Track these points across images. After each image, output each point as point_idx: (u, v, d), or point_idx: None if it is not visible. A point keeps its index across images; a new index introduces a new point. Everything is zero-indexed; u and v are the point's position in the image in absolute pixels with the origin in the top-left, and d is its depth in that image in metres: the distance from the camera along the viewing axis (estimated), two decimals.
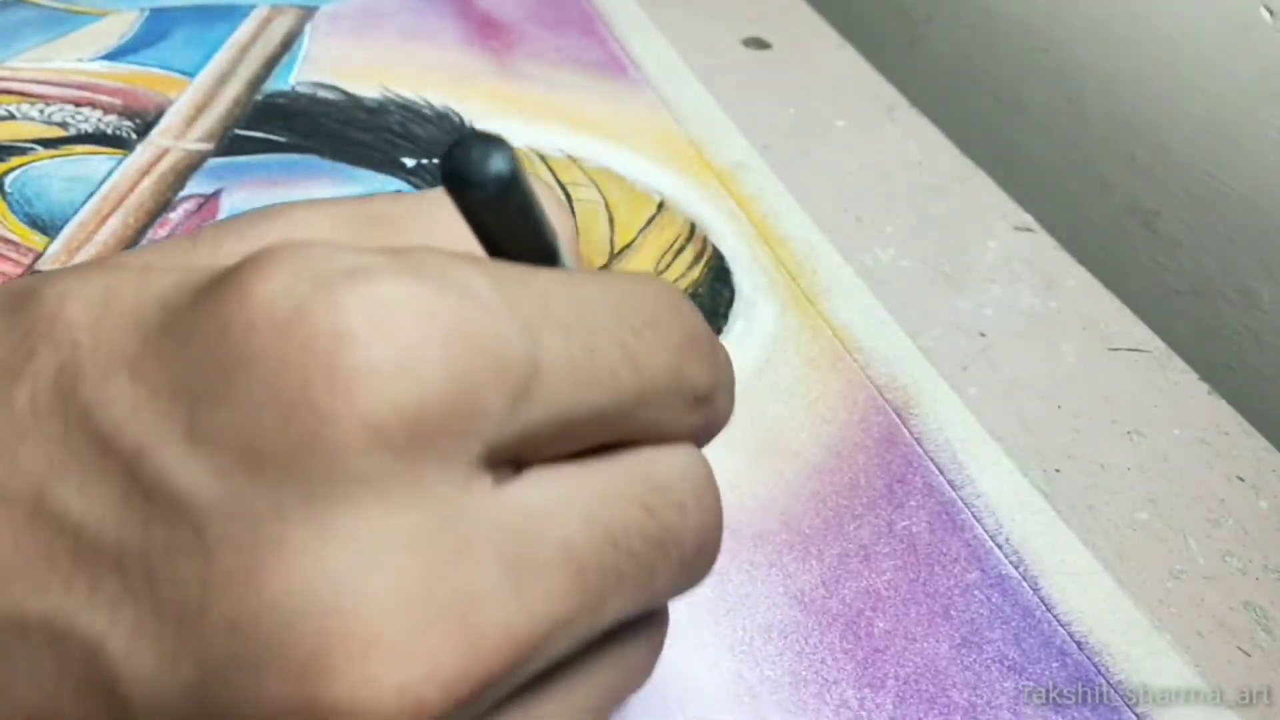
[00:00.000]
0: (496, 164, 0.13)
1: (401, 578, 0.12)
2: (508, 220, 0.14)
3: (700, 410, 0.16)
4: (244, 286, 0.12)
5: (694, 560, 0.16)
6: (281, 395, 0.12)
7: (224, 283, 0.12)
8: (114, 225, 0.33)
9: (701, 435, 0.17)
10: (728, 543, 0.26)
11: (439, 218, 0.17)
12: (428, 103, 0.40)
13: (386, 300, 0.12)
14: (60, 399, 0.12)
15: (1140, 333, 0.35)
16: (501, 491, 0.13)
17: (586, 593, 0.14)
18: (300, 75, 0.40)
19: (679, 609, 0.25)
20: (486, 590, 0.13)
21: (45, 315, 0.13)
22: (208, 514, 0.12)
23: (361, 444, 0.12)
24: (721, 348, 0.18)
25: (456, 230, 0.16)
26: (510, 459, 0.14)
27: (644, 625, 0.17)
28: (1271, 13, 0.38)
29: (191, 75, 0.40)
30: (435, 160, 0.37)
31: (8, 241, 0.32)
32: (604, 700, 0.16)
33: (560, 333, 0.14)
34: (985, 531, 0.27)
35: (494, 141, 0.13)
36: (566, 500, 0.14)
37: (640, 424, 0.15)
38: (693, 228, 0.36)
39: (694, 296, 0.33)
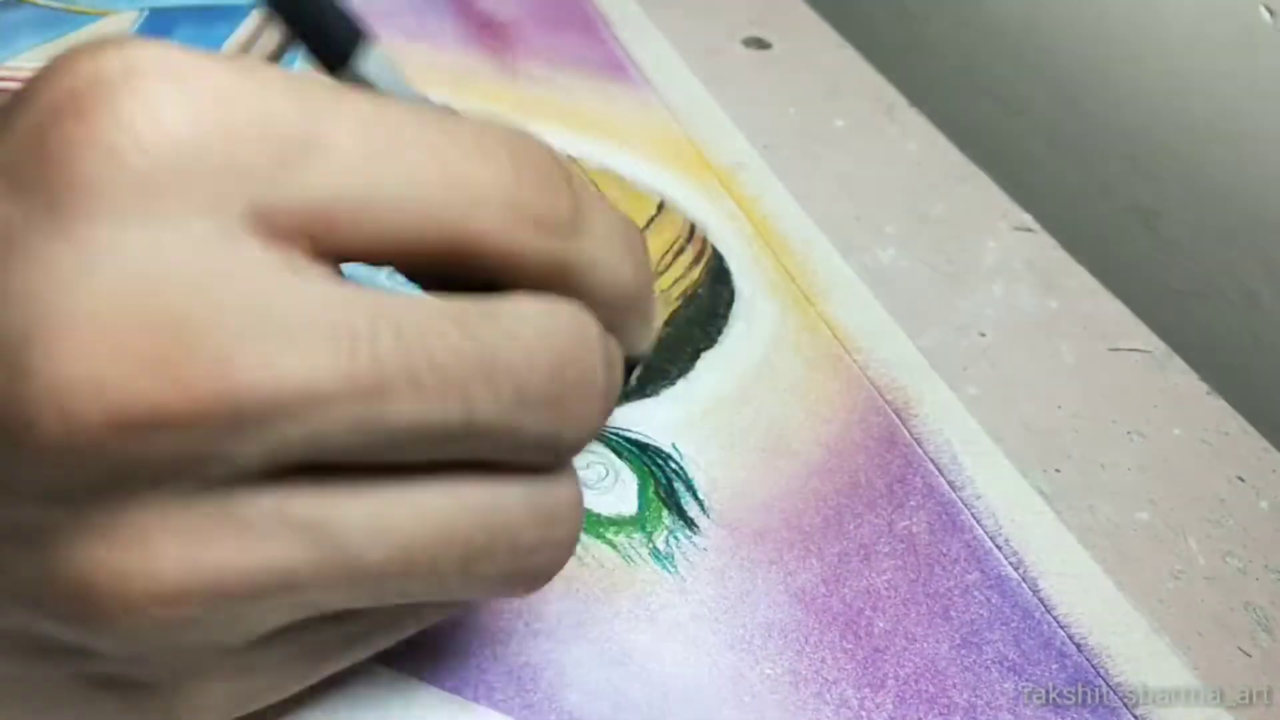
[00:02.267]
0: None
1: (119, 286, 0.13)
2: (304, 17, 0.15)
3: (556, 239, 0.16)
4: (65, 55, 0.14)
5: (524, 417, 0.15)
6: (44, 125, 0.13)
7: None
8: None
9: (606, 308, 0.17)
10: (728, 540, 0.26)
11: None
12: (427, 102, 0.40)
13: (149, 57, 0.13)
14: None
15: (1140, 333, 0.35)
16: (277, 260, 0.14)
17: (355, 374, 0.13)
18: None
19: (679, 609, 0.25)
20: (221, 331, 0.13)
21: None
22: None
23: (100, 169, 0.13)
24: (608, 213, 0.17)
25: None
26: (305, 235, 0.14)
27: (533, 479, 0.16)
28: (1271, 13, 0.38)
29: None
30: None
31: None
32: (431, 538, 0.15)
33: (355, 124, 0.14)
34: (985, 532, 0.27)
35: None
36: (349, 302, 0.14)
37: (468, 235, 0.15)
38: (693, 228, 0.36)
39: (694, 297, 0.33)
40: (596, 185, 0.37)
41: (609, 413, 0.17)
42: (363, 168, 0.14)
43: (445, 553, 0.15)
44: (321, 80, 0.15)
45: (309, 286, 0.14)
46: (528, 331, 0.15)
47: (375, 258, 0.15)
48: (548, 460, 0.16)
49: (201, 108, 0.13)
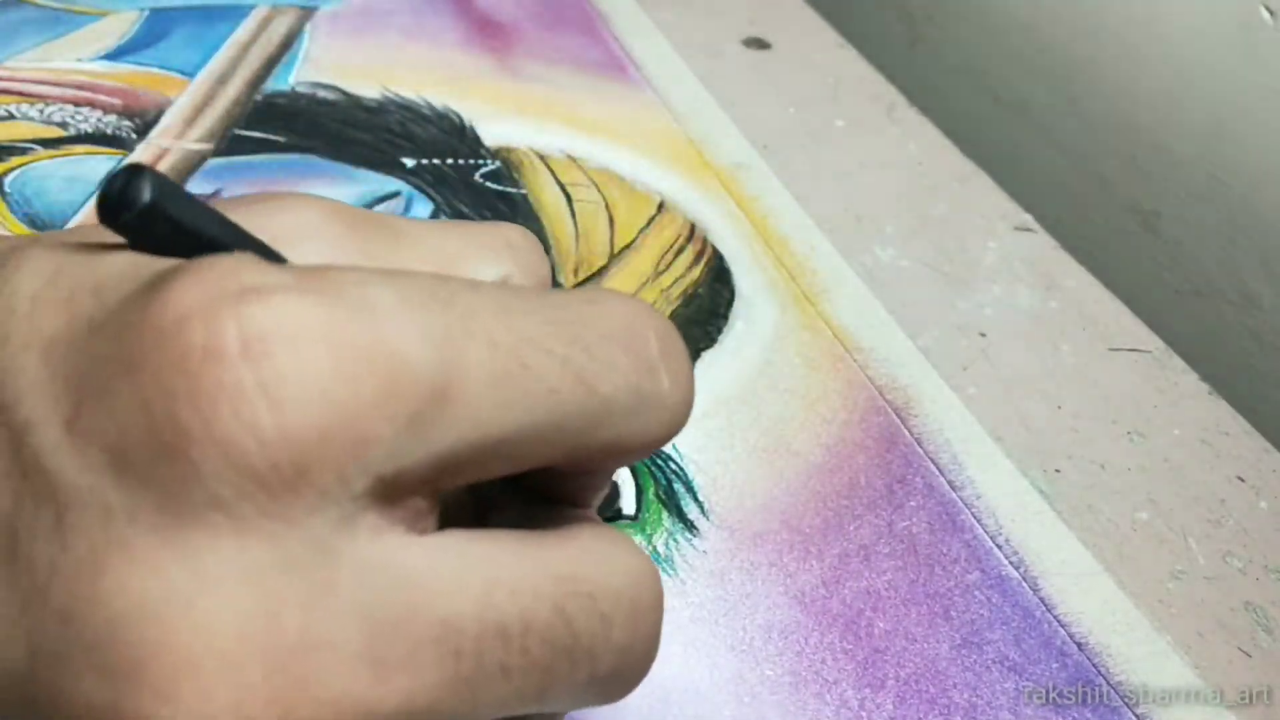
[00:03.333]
0: (137, 193, 0.13)
1: (238, 609, 0.12)
2: (165, 239, 0.14)
3: (667, 430, 0.15)
4: (157, 293, 0.12)
5: (607, 680, 0.15)
6: (152, 403, 0.12)
7: (149, 286, 0.12)
8: None
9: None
10: (728, 542, 0.26)
11: (435, 234, 0.16)
12: (427, 103, 0.40)
13: (268, 318, 0.12)
14: None
15: (1140, 333, 0.35)
16: (393, 540, 0.13)
17: (457, 683, 0.13)
18: (300, 75, 0.40)
19: (679, 611, 0.25)
20: (334, 647, 0.12)
21: (4, 275, 0.14)
22: (69, 502, 0.12)
23: (217, 468, 0.12)
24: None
25: (451, 247, 0.16)
26: (428, 485, 0.13)
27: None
28: (1271, 13, 0.38)
29: (191, 75, 0.40)
30: (435, 160, 0.37)
31: None
32: None
33: (484, 346, 0.13)
34: (985, 532, 0.27)
35: (136, 173, 0.13)
36: (466, 573, 0.13)
37: (594, 447, 0.14)
38: (693, 228, 0.36)
39: (694, 297, 0.33)
40: (597, 185, 0.37)
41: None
42: (495, 407, 0.13)
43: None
44: (445, 288, 0.13)
45: (423, 584, 0.13)
46: (618, 617, 0.14)
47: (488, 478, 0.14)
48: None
49: (328, 383, 0.12)
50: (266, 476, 0.12)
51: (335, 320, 0.12)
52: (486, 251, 0.17)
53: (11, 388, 0.13)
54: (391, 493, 0.13)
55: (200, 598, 0.12)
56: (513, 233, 0.17)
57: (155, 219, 0.13)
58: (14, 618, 0.12)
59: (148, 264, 0.13)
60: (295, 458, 0.12)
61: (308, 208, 0.16)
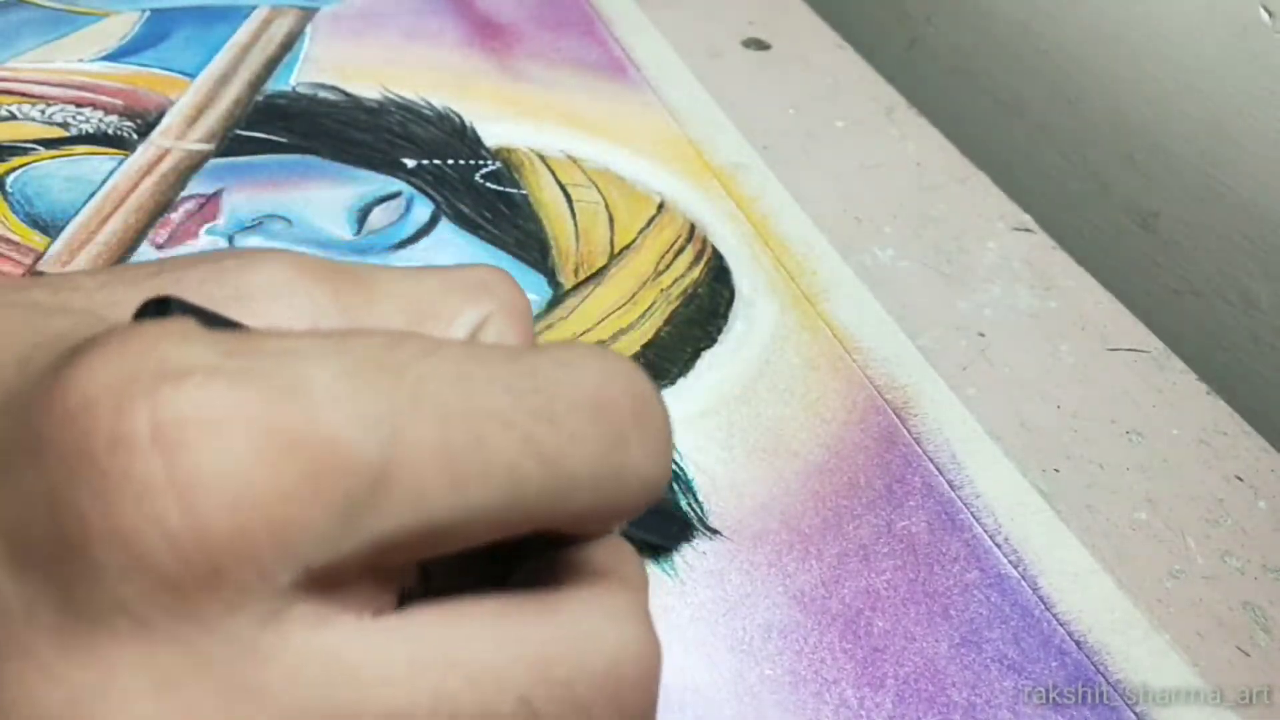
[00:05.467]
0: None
1: None
2: None
3: (641, 501, 0.14)
4: (70, 368, 0.11)
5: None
6: (55, 492, 0.11)
7: (65, 360, 0.11)
8: (115, 225, 0.33)
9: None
10: (727, 544, 0.26)
11: (409, 281, 0.15)
12: (428, 103, 0.40)
13: (183, 404, 0.11)
14: None
15: (1139, 333, 0.35)
16: (335, 629, 0.12)
17: None
18: (301, 76, 0.40)
19: (679, 611, 0.25)
20: None
21: None
22: None
23: (121, 567, 0.10)
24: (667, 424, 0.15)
25: (426, 294, 0.15)
26: (373, 567, 0.12)
27: None
28: (1270, 13, 0.38)
29: (192, 76, 0.40)
30: (436, 161, 0.37)
31: (9, 242, 0.32)
32: None
33: (434, 422, 0.12)
34: (984, 531, 0.28)
35: (164, 302, 0.12)
36: (420, 659, 0.12)
37: (559, 521, 0.13)
38: (693, 228, 0.36)
39: (694, 297, 0.33)
40: (597, 185, 0.37)
41: None
42: (445, 487, 0.12)
43: None
44: (394, 357, 0.12)
45: (363, 678, 0.12)
46: (599, 707, 0.13)
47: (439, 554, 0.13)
48: None
49: (247, 474, 0.11)
50: (176, 577, 0.11)
51: (258, 404, 0.11)
52: (463, 295, 0.16)
53: None
54: (329, 580, 0.12)
55: (102, 708, 0.11)
56: (488, 273, 0.16)
57: None
58: None
59: (86, 328, 0.12)
60: (208, 556, 0.11)
61: (278, 264, 0.15)
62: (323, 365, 0.12)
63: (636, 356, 0.31)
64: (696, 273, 0.34)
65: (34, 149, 0.36)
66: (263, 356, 0.11)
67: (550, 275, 0.33)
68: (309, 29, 0.43)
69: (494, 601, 0.13)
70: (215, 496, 0.11)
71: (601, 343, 0.31)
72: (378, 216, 0.35)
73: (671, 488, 0.27)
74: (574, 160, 0.38)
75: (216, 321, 0.13)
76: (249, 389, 0.11)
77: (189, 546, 0.11)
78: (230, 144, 0.37)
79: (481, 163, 0.38)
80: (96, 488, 0.10)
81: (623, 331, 0.32)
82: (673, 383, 0.30)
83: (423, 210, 0.35)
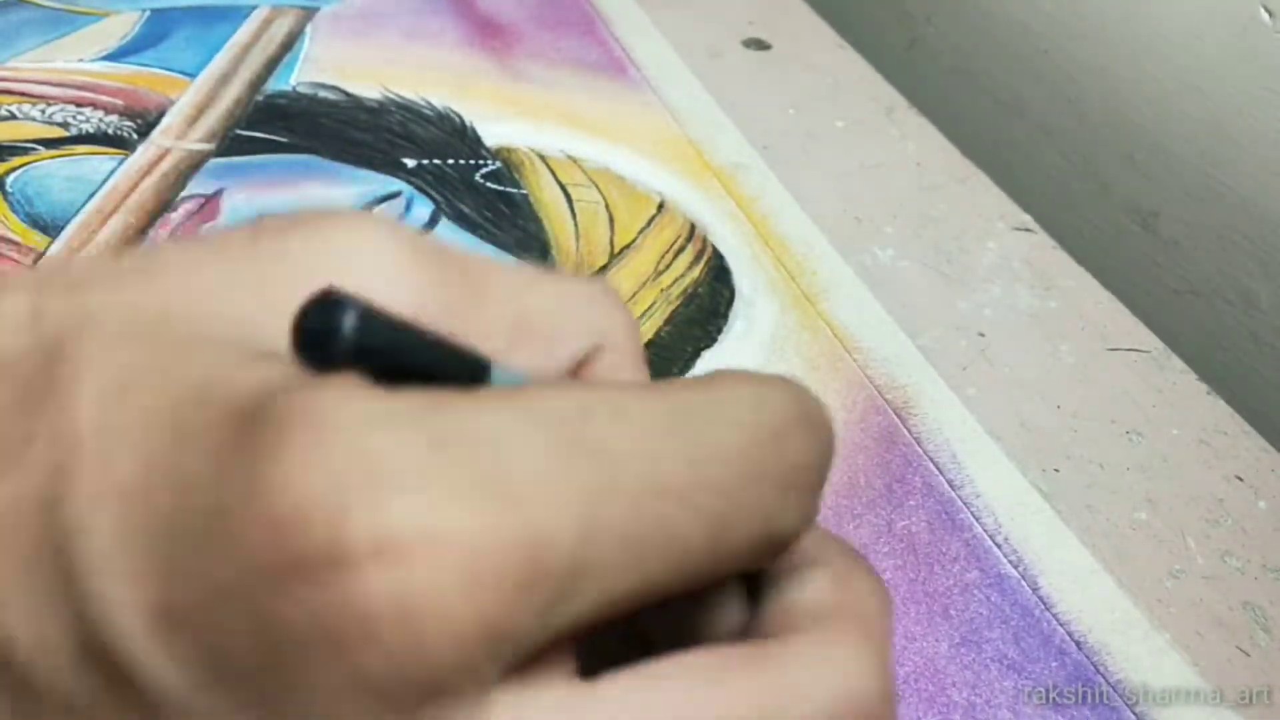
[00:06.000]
0: (345, 324, 0.11)
1: None
2: (385, 363, 0.12)
3: (792, 540, 0.14)
4: (271, 464, 0.10)
5: None
6: (264, 607, 0.10)
7: (249, 441, 0.10)
8: (115, 225, 0.33)
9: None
10: None
11: (516, 285, 0.15)
12: (428, 103, 0.40)
13: (403, 515, 0.10)
14: (40, 510, 0.11)
15: (1139, 333, 0.35)
16: (530, 711, 0.11)
17: None
18: (301, 76, 0.40)
19: None
20: None
21: (60, 380, 0.11)
22: (158, 704, 0.10)
23: (339, 688, 0.10)
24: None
25: (534, 304, 0.14)
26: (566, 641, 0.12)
27: None
28: (1270, 13, 0.38)
29: (193, 76, 0.40)
30: (436, 161, 0.37)
31: (9, 241, 0.32)
32: None
33: (627, 506, 0.11)
34: (984, 531, 0.28)
35: (335, 303, 0.11)
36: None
37: (715, 577, 0.13)
38: (693, 228, 0.36)
39: (694, 296, 0.33)
40: (597, 185, 0.37)
41: None
42: (626, 569, 0.11)
43: None
44: (593, 426, 0.12)
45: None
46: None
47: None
48: None
49: (465, 591, 0.10)
50: (396, 695, 0.10)
51: (475, 514, 0.10)
52: (574, 316, 0.15)
53: (82, 554, 0.11)
54: (524, 661, 0.11)
55: None
56: (603, 294, 0.16)
57: (361, 355, 0.11)
58: None
59: (230, 373, 0.11)
60: (431, 674, 0.10)
61: (387, 239, 0.14)
62: (526, 448, 0.11)
63: None
64: (696, 272, 0.34)
65: (34, 149, 0.36)
66: (466, 443, 0.11)
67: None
68: (309, 29, 0.43)
69: (695, 658, 0.12)
70: (438, 616, 0.10)
71: None
72: None
73: None
74: (574, 160, 0.38)
75: (472, 368, 0.13)
76: (463, 497, 0.10)
77: (411, 666, 0.10)
78: (230, 144, 0.37)
79: (482, 162, 0.38)
80: (313, 606, 0.10)
81: None
82: None
83: (423, 210, 0.35)
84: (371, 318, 0.11)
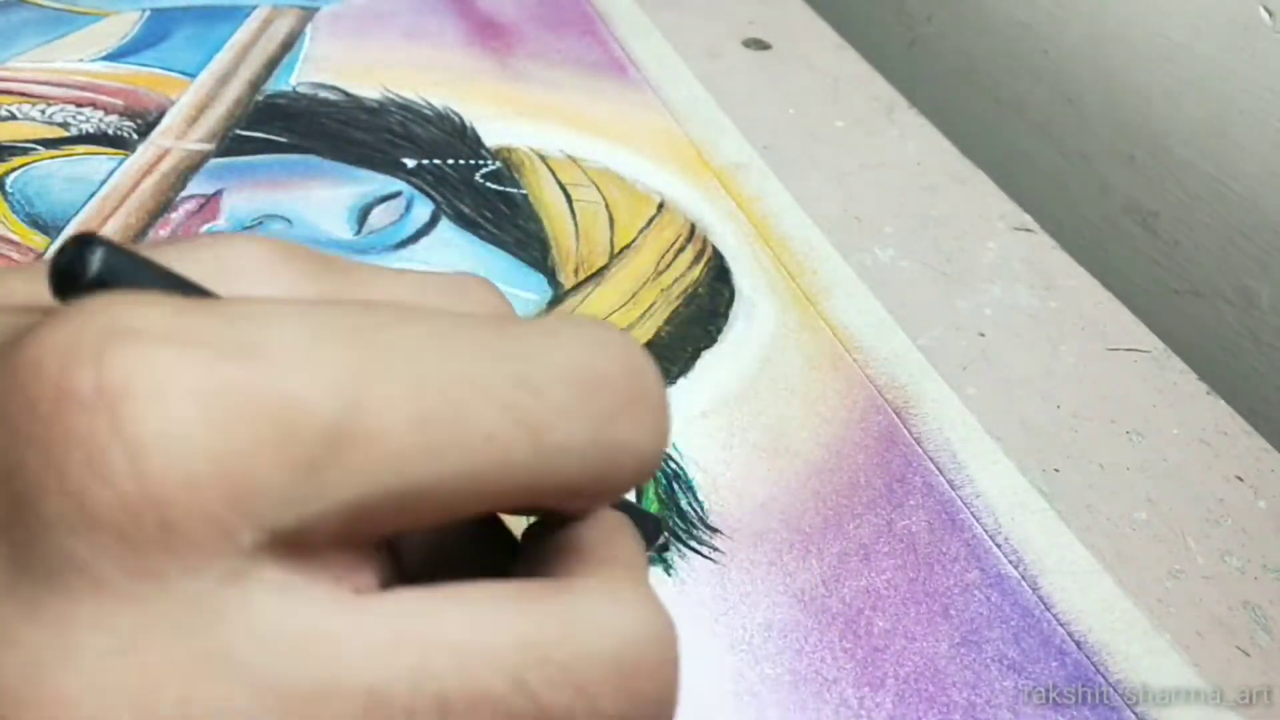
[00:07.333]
0: (84, 266, 0.12)
1: (105, 682, 0.10)
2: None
3: (634, 477, 0.14)
4: (28, 333, 0.11)
5: None
6: (4, 451, 0.11)
7: (27, 328, 0.11)
8: (115, 225, 0.33)
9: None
10: (727, 543, 0.26)
11: (387, 277, 0.15)
12: (428, 103, 0.40)
13: (132, 362, 0.11)
14: None
15: (1139, 333, 0.35)
16: (307, 599, 0.11)
17: None
18: (301, 76, 0.40)
19: (679, 610, 0.25)
20: None
21: None
22: None
23: (70, 522, 0.10)
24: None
25: (402, 293, 0.15)
26: (348, 537, 0.12)
27: None
28: (1270, 13, 0.38)
29: (193, 76, 0.40)
30: (437, 161, 0.37)
31: (8, 241, 0.32)
32: None
33: (408, 386, 0.12)
34: (984, 531, 0.28)
35: (85, 245, 0.12)
36: (402, 636, 0.11)
37: (545, 497, 0.13)
38: (693, 228, 0.36)
39: (694, 296, 0.33)
40: (597, 185, 0.37)
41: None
42: (419, 452, 0.11)
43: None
44: (373, 321, 0.12)
45: (337, 648, 0.11)
46: (606, 690, 0.12)
47: (426, 529, 0.12)
48: None
49: (196, 431, 0.11)
50: (127, 532, 0.10)
51: (208, 363, 0.11)
52: (440, 295, 0.15)
53: None
54: (299, 547, 0.11)
55: (60, 671, 0.10)
56: (470, 279, 0.16)
57: (110, 286, 0.12)
58: None
59: (16, 321, 0.12)
60: (157, 510, 0.10)
61: (258, 245, 0.14)
62: (283, 327, 0.11)
63: None
64: (697, 272, 0.34)
65: (34, 149, 0.36)
66: (219, 318, 0.11)
67: (550, 275, 0.33)
68: (309, 29, 0.43)
69: (487, 585, 0.13)
70: (161, 451, 0.10)
71: None
72: (378, 216, 0.35)
73: (671, 487, 0.27)
74: (574, 160, 0.38)
75: (171, 282, 0.13)
76: (200, 349, 0.11)
77: (136, 499, 0.10)
78: (230, 144, 0.37)
79: (482, 162, 0.38)
80: (42, 444, 0.10)
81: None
82: (673, 382, 0.30)
83: (423, 210, 0.35)
84: (117, 253, 0.12)
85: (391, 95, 0.40)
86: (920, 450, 0.29)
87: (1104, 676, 0.25)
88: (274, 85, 0.40)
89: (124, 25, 0.42)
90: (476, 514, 0.13)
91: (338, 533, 0.12)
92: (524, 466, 0.12)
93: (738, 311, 0.33)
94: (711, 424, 0.29)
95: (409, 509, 0.12)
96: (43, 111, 0.37)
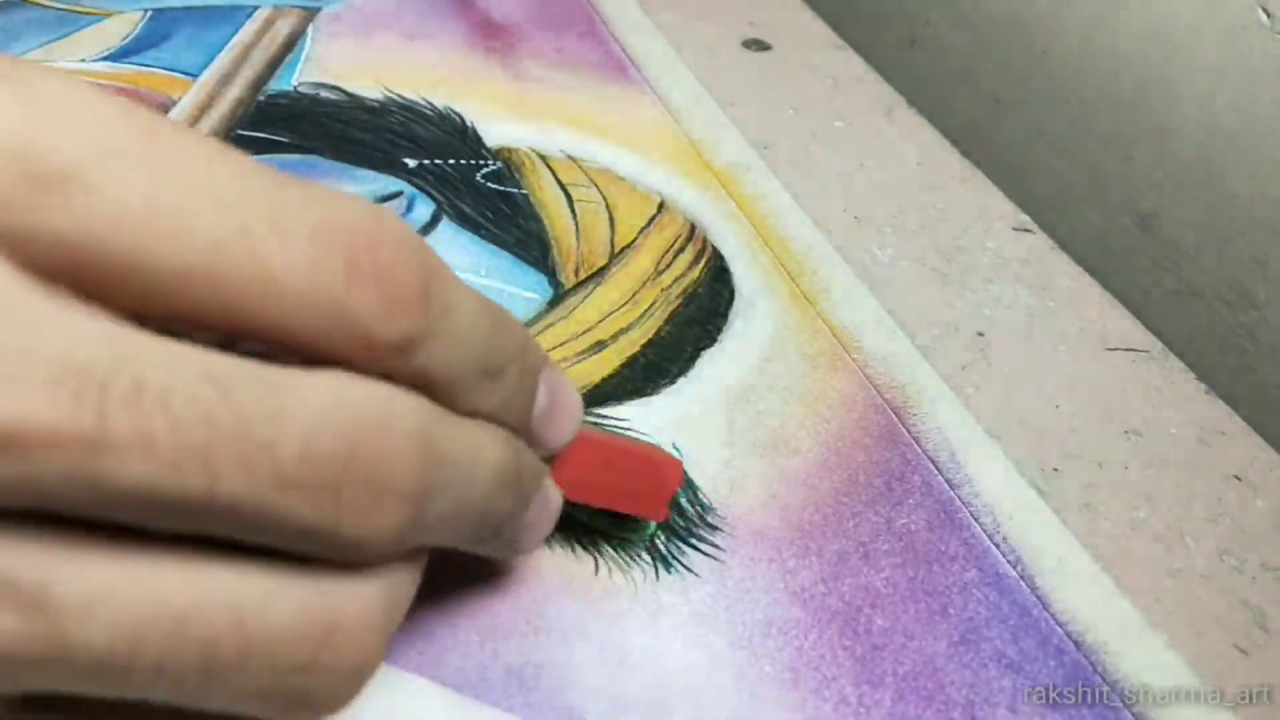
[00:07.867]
0: None
1: None
2: None
3: (392, 359, 0.14)
4: None
5: (284, 501, 0.13)
6: None
7: None
8: None
9: (487, 408, 0.15)
10: (727, 541, 0.26)
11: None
12: (429, 103, 0.40)
13: None
14: None
15: (1138, 333, 0.35)
16: (16, 284, 0.12)
17: (75, 421, 0.12)
18: (303, 76, 0.40)
19: (679, 607, 0.25)
20: None
21: None
22: None
23: None
24: (512, 327, 0.15)
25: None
26: (68, 279, 0.12)
27: (314, 582, 0.14)
28: (1269, 14, 0.38)
29: (194, 76, 0.40)
30: (438, 161, 0.37)
31: None
32: (163, 631, 0.13)
33: (137, 164, 0.13)
34: (983, 530, 0.28)
35: None
36: (105, 333, 0.13)
37: (254, 326, 0.13)
38: (693, 228, 0.36)
39: (694, 296, 0.33)
40: (598, 185, 0.37)
41: (419, 514, 0.14)
42: (132, 215, 0.12)
43: (179, 651, 0.13)
44: (111, 109, 0.13)
45: (49, 317, 0.12)
46: (307, 408, 0.13)
47: (163, 322, 0.13)
48: (326, 555, 0.14)
49: None
50: None
51: None
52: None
53: None
54: (23, 259, 0.12)
55: None
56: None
57: None
58: None
59: None
60: None
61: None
62: (55, 95, 0.13)
63: (637, 356, 0.31)
64: (696, 272, 0.34)
65: None
66: (6, 62, 0.13)
67: (551, 274, 0.33)
68: (311, 29, 0.43)
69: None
70: None
71: (601, 343, 0.31)
72: None
73: None
74: (574, 160, 0.38)
75: None
76: None
77: None
78: (232, 144, 0.37)
79: (482, 162, 0.38)
80: None
81: (623, 331, 0.32)
82: (673, 382, 0.30)
83: (424, 210, 0.35)
84: None
85: (393, 95, 0.40)
86: (919, 449, 0.29)
87: (1102, 675, 0.25)
88: (276, 85, 0.40)
89: (126, 25, 0.42)
90: (202, 325, 0.13)
91: (69, 269, 0.12)
92: (240, 282, 0.13)
93: (738, 311, 0.33)
94: (711, 423, 0.29)
95: (132, 283, 0.12)
96: None
